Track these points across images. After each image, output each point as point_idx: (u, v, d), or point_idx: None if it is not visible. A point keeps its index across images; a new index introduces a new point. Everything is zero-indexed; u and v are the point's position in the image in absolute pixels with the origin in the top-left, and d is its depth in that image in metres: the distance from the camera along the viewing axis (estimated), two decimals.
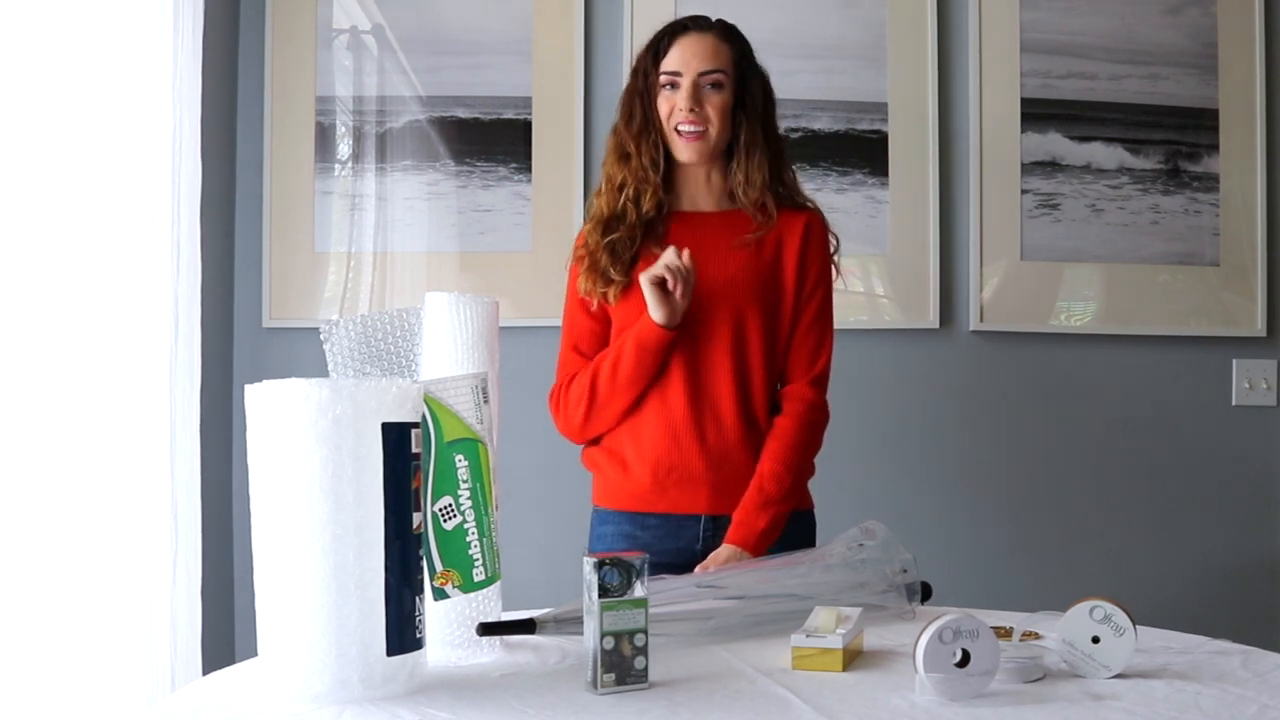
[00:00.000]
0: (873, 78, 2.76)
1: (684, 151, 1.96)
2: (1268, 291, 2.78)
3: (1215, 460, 2.79)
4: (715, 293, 1.94)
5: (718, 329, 1.94)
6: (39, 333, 1.87)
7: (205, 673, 2.11)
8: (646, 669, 1.27)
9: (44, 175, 1.89)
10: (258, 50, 2.75)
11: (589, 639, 1.26)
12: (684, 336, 1.93)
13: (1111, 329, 2.78)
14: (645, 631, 1.27)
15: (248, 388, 1.24)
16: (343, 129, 2.76)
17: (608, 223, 1.97)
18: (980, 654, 1.21)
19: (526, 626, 1.41)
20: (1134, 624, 1.31)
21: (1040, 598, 1.94)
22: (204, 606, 2.25)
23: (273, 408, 1.22)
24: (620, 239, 1.95)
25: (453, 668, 1.37)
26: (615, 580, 1.26)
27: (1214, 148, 2.78)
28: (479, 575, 1.38)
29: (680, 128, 1.94)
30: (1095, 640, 1.30)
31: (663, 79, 1.96)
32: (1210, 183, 2.78)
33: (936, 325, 2.75)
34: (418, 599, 1.27)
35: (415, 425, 1.27)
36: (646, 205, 1.95)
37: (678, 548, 1.93)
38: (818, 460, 2.00)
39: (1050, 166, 2.77)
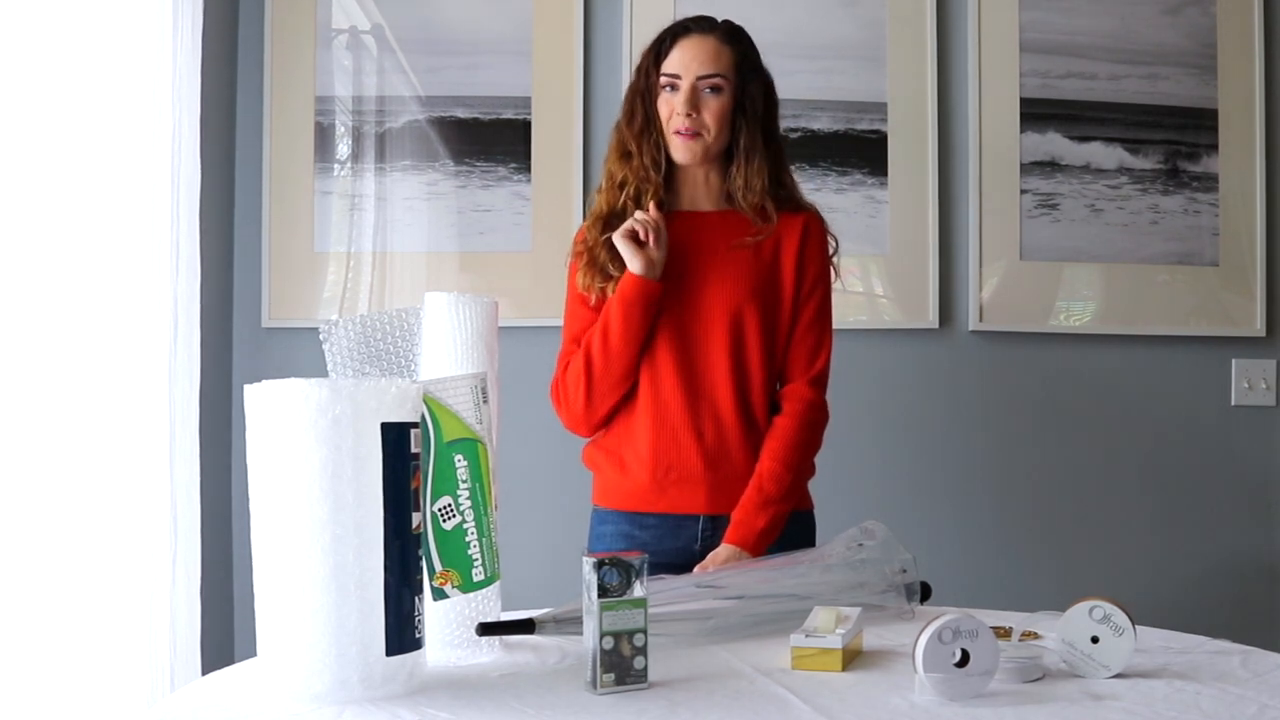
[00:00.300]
0: (872, 78, 2.76)
1: (680, 154, 1.96)
2: (1267, 291, 2.78)
3: (1215, 460, 2.79)
4: (714, 292, 1.94)
5: (716, 328, 1.94)
6: (38, 333, 1.87)
7: (205, 673, 2.11)
8: (646, 669, 1.27)
9: (43, 175, 1.89)
10: (257, 50, 2.75)
11: (588, 639, 1.26)
12: (682, 335, 1.94)
13: (1111, 329, 2.78)
14: (645, 631, 1.27)
15: (247, 388, 1.24)
16: (342, 129, 2.76)
17: (608, 220, 1.97)
18: (980, 654, 1.21)
19: (526, 626, 1.41)
20: (1134, 624, 1.31)
21: (1040, 598, 1.93)
22: (203, 606, 2.25)
23: (272, 408, 1.22)
24: None
25: (452, 668, 1.37)
26: (615, 580, 1.26)
27: (1213, 148, 2.78)
28: (478, 575, 1.38)
29: (677, 131, 1.94)
30: (1095, 640, 1.30)
31: (663, 80, 1.96)
32: (1210, 183, 2.78)
33: (936, 325, 2.75)
34: (417, 599, 1.27)
35: (415, 425, 1.27)
36: (647, 204, 1.95)
37: (677, 547, 1.93)
38: (818, 460, 2.00)
39: (1050, 166, 2.77)
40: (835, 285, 2.05)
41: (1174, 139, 2.78)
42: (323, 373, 1.41)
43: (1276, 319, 2.79)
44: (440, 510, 1.36)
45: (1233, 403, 2.80)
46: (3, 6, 1.82)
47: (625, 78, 2.64)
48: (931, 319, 2.75)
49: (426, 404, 1.34)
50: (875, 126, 2.75)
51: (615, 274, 1.94)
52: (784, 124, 2.08)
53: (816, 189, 2.67)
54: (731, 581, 1.59)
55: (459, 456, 1.37)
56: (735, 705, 1.20)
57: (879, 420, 2.74)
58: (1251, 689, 1.26)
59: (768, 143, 1.98)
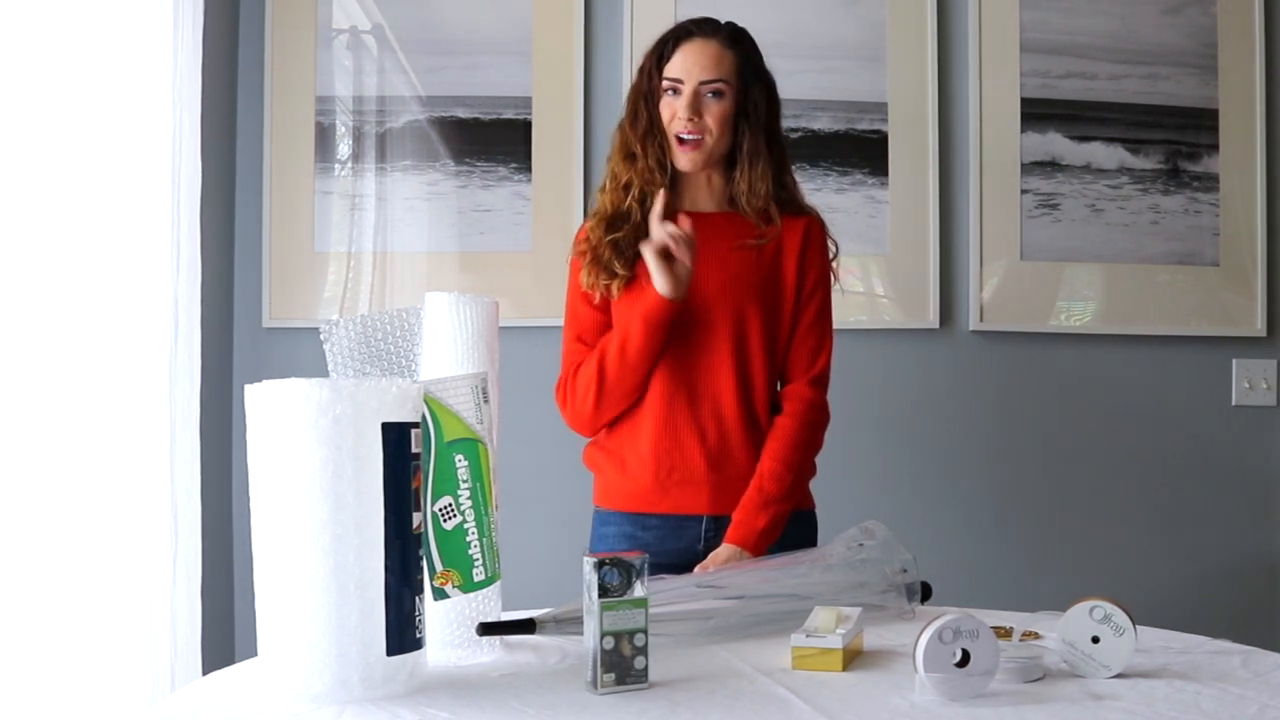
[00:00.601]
0: (873, 78, 2.76)
1: (681, 159, 1.95)
2: (1268, 291, 2.78)
3: (1215, 460, 2.79)
4: (716, 293, 1.94)
5: (719, 328, 1.94)
6: (39, 333, 1.87)
7: (205, 673, 2.11)
8: (646, 669, 1.27)
9: (44, 175, 1.89)
10: (258, 50, 2.75)
11: (589, 639, 1.26)
12: (684, 336, 1.94)
13: (1111, 329, 2.78)
14: (645, 631, 1.27)
15: (248, 388, 1.24)
16: (343, 129, 2.76)
17: (611, 220, 1.97)
18: (980, 654, 1.21)
19: (526, 626, 1.41)
20: (1134, 624, 1.31)
21: (1040, 598, 1.94)
22: (204, 606, 2.25)
23: (273, 408, 1.22)
24: (624, 237, 1.95)
25: (453, 668, 1.37)
26: (615, 580, 1.26)
27: (1214, 148, 2.78)
28: (479, 575, 1.38)
29: (679, 135, 1.94)
30: (1095, 640, 1.30)
31: (665, 84, 1.95)
32: (1210, 183, 2.78)
33: (936, 325, 2.75)
34: (418, 599, 1.27)
35: (415, 425, 1.27)
36: (651, 205, 1.95)
37: (679, 548, 1.93)
38: (819, 460, 2.01)
39: (1050, 166, 2.77)
40: (834, 289, 2.05)
41: (1174, 139, 2.78)
42: (323, 373, 1.41)
43: (1277, 319, 2.79)
44: (441, 510, 1.36)
45: (1233, 403, 2.80)
46: (3, 6, 1.82)
47: (626, 77, 2.65)
48: (932, 319, 2.75)
49: (427, 404, 1.34)
50: (876, 126, 2.75)
51: (620, 272, 1.94)
52: (785, 124, 2.08)
53: (817, 189, 2.67)
54: (732, 581, 1.59)
55: (459, 456, 1.37)
56: (735, 705, 1.20)
57: (879, 420, 2.75)
58: (1252, 689, 1.26)
59: (770, 146, 1.98)
